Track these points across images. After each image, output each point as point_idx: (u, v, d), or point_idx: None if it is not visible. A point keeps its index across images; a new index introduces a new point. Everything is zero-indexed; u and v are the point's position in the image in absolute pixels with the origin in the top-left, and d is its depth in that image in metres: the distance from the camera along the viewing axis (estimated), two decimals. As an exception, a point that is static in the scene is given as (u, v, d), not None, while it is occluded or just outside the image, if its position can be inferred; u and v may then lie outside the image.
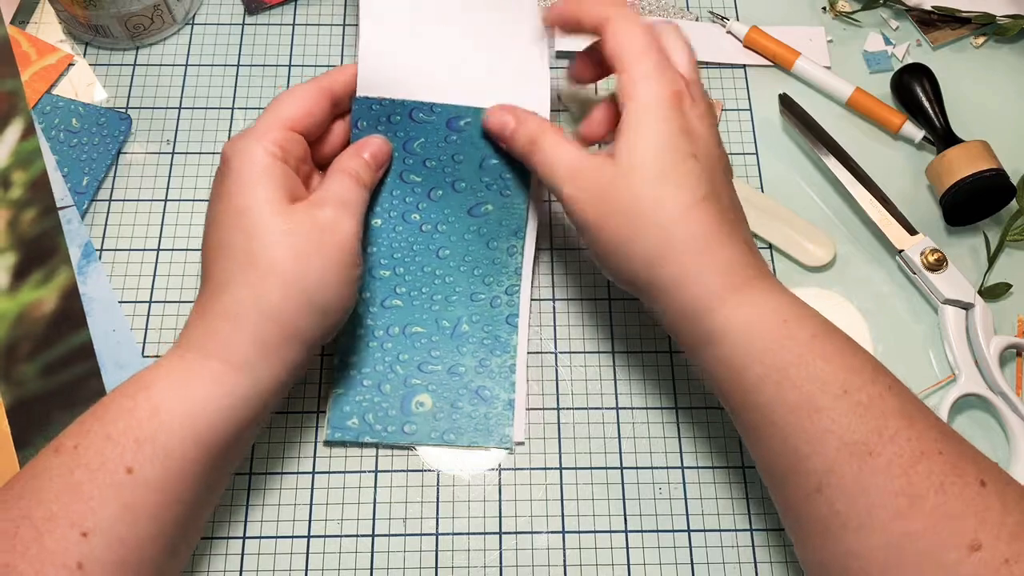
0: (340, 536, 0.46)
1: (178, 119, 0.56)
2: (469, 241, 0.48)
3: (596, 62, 0.47)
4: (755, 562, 0.45)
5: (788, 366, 0.37)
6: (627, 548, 0.46)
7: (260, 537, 0.45)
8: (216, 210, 0.41)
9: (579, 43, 0.58)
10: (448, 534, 0.46)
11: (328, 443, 0.47)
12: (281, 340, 0.39)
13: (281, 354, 0.40)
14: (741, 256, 0.40)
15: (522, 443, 0.47)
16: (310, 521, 0.46)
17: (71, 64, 0.56)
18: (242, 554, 0.45)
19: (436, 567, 0.45)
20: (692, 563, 0.45)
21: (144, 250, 0.52)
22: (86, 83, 0.56)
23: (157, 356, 0.49)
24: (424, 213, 0.48)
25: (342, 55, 0.58)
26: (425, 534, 0.46)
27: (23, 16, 0.58)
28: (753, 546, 0.46)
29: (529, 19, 0.49)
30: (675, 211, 0.39)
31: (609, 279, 0.44)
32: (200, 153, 0.55)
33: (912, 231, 0.52)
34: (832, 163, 0.53)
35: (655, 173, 0.40)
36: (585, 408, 0.49)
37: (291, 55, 0.58)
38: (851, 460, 0.35)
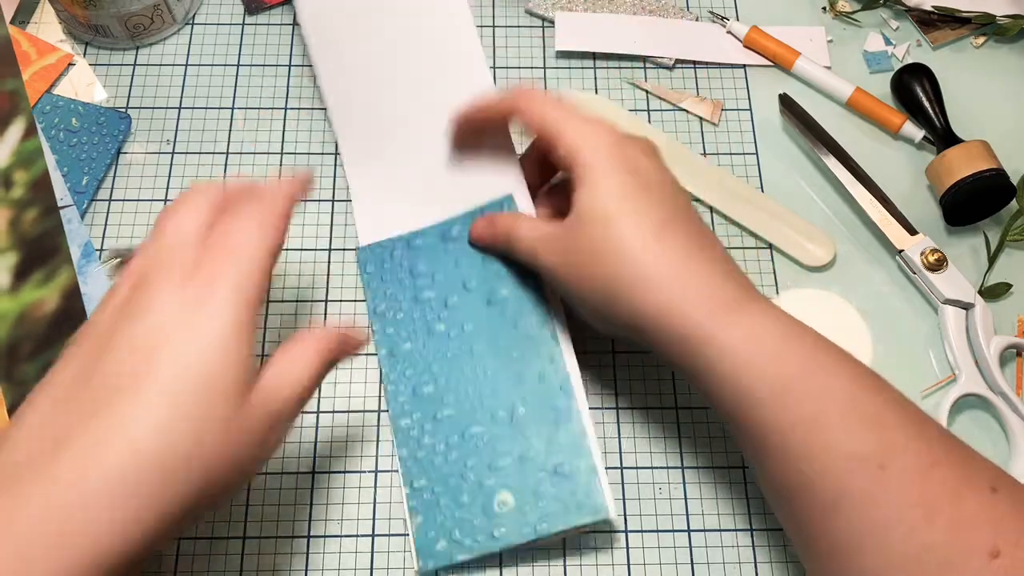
0: (340, 536, 0.46)
1: (178, 119, 0.56)
2: (497, 329, 0.48)
3: (536, 160, 0.49)
4: (755, 562, 0.45)
5: (792, 382, 0.37)
6: (627, 548, 0.46)
7: (260, 537, 0.45)
8: None
9: (580, 42, 0.58)
10: (448, 534, 0.46)
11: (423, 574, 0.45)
12: None
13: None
14: (723, 276, 0.40)
15: (619, 515, 0.46)
16: (310, 521, 0.46)
17: (71, 64, 0.56)
18: (242, 554, 0.45)
19: (436, 567, 0.45)
20: (692, 563, 0.45)
21: (144, 250, 0.52)
22: (86, 83, 0.56)
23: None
24: (447, 321, 0.49)
25: (312, 56, 0.58)
26: (425, 534, 0.46)
27: (23, 16, 0.58)
28: (753, 546, 0.46)
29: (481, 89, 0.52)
30: (639, 241, 0.39)
31: (606, 334, 0.45)
32: (200, 153, 0.55)
33: (912, 231, 0.52)
34: (832, 163, 0.53)
35: (612, 212, 0.40)
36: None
37: (291, 55, 0.58)
38: (864, 475, 0.35)
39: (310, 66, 0.58)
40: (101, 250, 0.52)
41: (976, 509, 0.34)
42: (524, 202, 0.49)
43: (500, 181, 0.50)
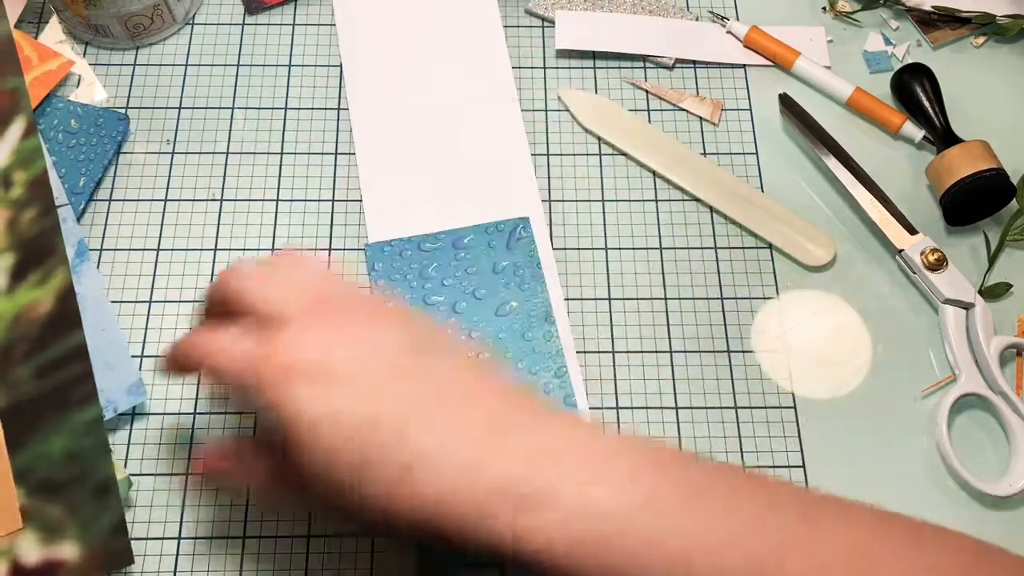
0: (340, 536, 0.45)
1: (178, 119, 0.56)
2: (505, 340, 0.49)
3: None
4: (755, 562, 0.45)
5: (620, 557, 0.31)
6: (627, 548, 0.46)
7: (260, 537, 0.45)
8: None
9: (580, 42, 0.58)
10: (448, 534, 0.46)
11: None
12: None
13: None
14: (543, 456, 0.32)
15: None
16: (310, 521, 0.46)
17: (70, 72, 0.56)
18: (242, 554, 0.45)
19: (436, 567, 0.45)
20: (692, 563, 0.45)
21: (144, 250, 0.52)
22: (86, 83, 0.56)
23: (154, 356, 0.49)
24: (454, 327, 0.49)
25: (341, 55, 0.58)
26: (425, 534, 0.46)
27: (22, 15, 0.58)
28: (753, 546, 0.46)
29: (513, 123, 0.55)
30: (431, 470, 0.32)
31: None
32: (200, 153, 0.55)
33: (912, 231, 0.52)
34: (832, 163, 0.53)
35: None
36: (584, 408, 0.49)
37: (291, 55, 0.58)
38: None
39: (310, 66, 0.58)
40: (101, 250, 0.52)
41: None
42: (540, 226, 0.50)
43: (518, 202, 0.53)
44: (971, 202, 0.53)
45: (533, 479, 0.31)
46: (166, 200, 0.53)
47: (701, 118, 0.57)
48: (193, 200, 0.54)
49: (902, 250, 0.52)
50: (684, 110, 0.57)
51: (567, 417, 0.35)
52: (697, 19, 0.60)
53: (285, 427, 0.33)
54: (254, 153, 0.55)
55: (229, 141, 0.55)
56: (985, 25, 0.59)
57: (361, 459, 0.32)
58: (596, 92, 0.58)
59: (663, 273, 0.52)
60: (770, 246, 0.53)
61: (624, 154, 0.56)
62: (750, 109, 0.58)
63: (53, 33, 0.58)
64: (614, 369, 0.50)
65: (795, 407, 0.49)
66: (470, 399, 0.34)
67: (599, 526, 0.31)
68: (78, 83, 0.56)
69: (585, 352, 0.50)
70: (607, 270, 0.52)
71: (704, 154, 0.56)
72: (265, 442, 0.37)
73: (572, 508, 0.31)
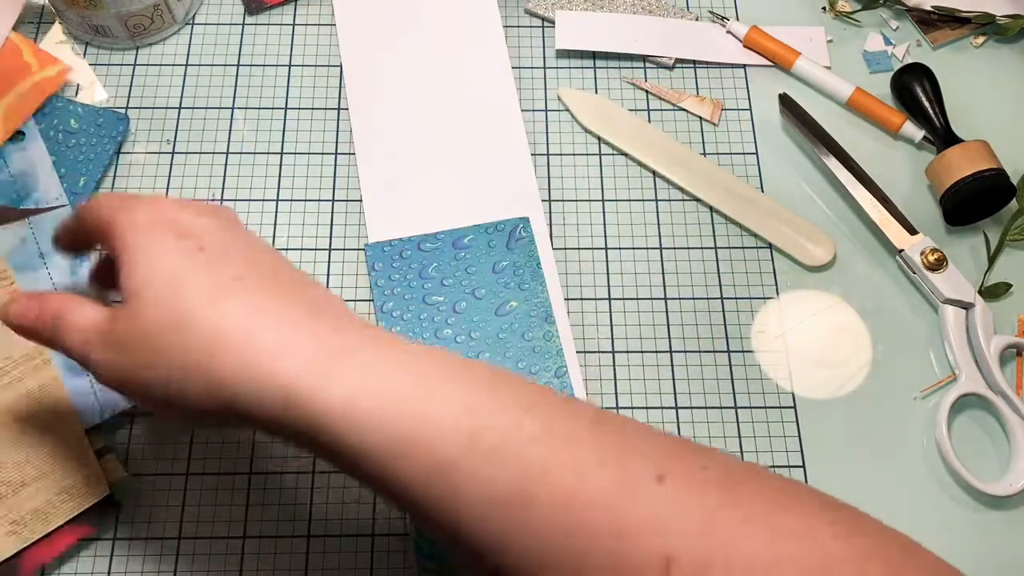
0: (340, 536, 0.45)
1: (178, 119, 0.56)
2: (505, 339, 0.49)
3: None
4: (755, 562, 0.45)
5: (404, 434, 0.31)
6: (627, 548, 0.46)
7: (260, 537, 0.45)
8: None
9: (580, 42, 0.58)
10: (448, 534, 0.46)
11: None
12: None
13: None
14: (317, 325, 0.33)
15: None
16: (310, 521, 0.46)
17: (70, 78, 0.56)
18: (242, 554, 0.45)
19: (436, 567, 0.45)
20: (692, 563, 0.45)
21: (144, 250, 0.52)
22: (86, 83, 0.56)
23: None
24: (455, 326, 0.49)
25: (341, 55, 0.58)
26: (425, 534, 0.46)
27: (22, 15, 0.58)
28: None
29: (512, 123, 0.55)
30: (203, 309, 0.33)
31: (196, 426, 0.41)
32: (200, 153, 0.55)
33: (912, 231, 0.52)
34: (832, 163, 0.53)
35: (165, 285, 0.33)
36: (585, 408, 0.49)
37: (291, 55, 0.58)
38: (504, 516, 0.30)
39: (310, 66, 0.58)
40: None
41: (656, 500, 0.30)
42: (541, 226, 0.50)
43: (518, 202, 0.53)
44: (971, 202, 0.53)
45: (337, 337, 0.33)
46: (166, 200, 0.53)
47: (701, 118, 0.57)
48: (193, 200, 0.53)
49: (902, 250, 0.52)
50: (684, 110, 0.57)
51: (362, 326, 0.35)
52: (697, 19, 0.60)
53: (130, 276, 0.34)
54: (254, 153, 0.55)
55: (229, 141, 0.55)
56: (985, 25, 0.59)
57: (182, 323, 0.33)
58: (596, 92, 0.58)
59: (663, 273, 0.52)
60: (770, 246, 0.53)
61: (624, 154, 0.56)
62: (750, 109, 0.58)
63: (53, 33, 0.58)
64: (614, 369, 0.50)
65: (795, 407, 0.49)
66: (316, 313, 0.34)
67: (408, 388, 0.31)
68: (76, 91, 0.56)
69: (585, 352, 0.50)
70: (607, 270, 0.52)
71: (704, 154, 0.56)
72: (94, 296, 0.37)
73: (378, 364, 0.32)
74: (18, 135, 0.53)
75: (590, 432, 0.31)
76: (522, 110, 0.57)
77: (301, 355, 0.32)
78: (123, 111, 0.55)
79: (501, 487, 0.30)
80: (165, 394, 0.34)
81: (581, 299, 0.52)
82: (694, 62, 0.59)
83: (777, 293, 0.52)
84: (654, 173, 0.55)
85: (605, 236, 0.53)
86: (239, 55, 0.58)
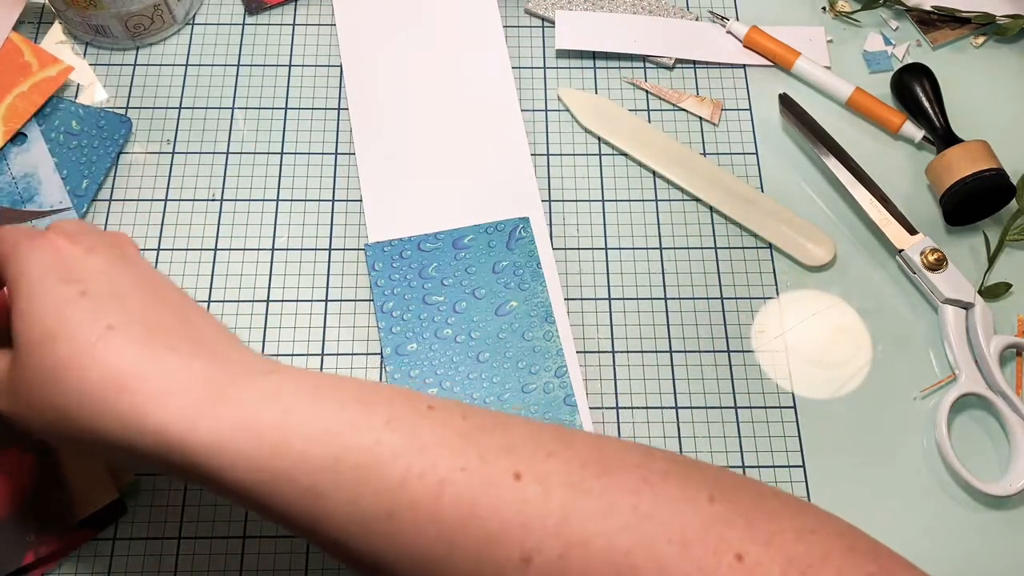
0: (340, 536, 0.46)
1: (178, 119, 0.56)
2: (505, 339, 0.49)
3: None
4: (755, 562, 0.45)
5: (271, 464, 0.32)
6: (627, 548, 0.46)
7: (260, 537, 0.45)
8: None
9: (580, 42, 0.58)
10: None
11: None
12: None
13: None
14: (190, 366, 0.33)
15: None
16: (310, 521, 0.46)
17: (70, 78, 0.56)
18: (242, 554, 0.45)
19: (436, 567, 0.45)
20: (692, 563, 0.45)
21: (144, 250, 0.52)
22: (86, 83, 0.56)
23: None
24: (455, 326, 0.49)
25: (341, 55, 0.58)
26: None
27: (22, 15, 0.58)
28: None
29: (512, 123, 0.55)
30: (77, 359, 0.33)
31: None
32: (200, 153, 0.55)
33: (912, 231, 0.52)
34: (832, 163, 0.53)
35: (44, 333, 0.34)
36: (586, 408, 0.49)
37: (291, 55, 0.58)
38: (371, 530, 0.31)
39: (310, 66, 0.58)
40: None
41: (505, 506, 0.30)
42: (541, 226, 0.51)
43: (518, 202, 0.53)
44: (971, 202, 0.53)
45: (214, 372, 0.33)
46: (166, 200, 0.53)
47: (701, 118, 0.57)
48: (193, 200, 0.54)
49: (902, 250, 0.52)
50: (684, 110, 0.57)
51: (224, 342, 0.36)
52: (697, 19, 0.60)
53: (17, 321, 0.34)
54: (254, 153, 0.55)
55: (229, 141, 0.55)
56: (985, 25, 0.59)
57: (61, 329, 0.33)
58: (596, 92, 0.58)
59: (663, 273, 0.52)
60: (770, 246, 0.53)
61: (624, 154, 0.56)
62: (750, 109, 0.58)
63: (53, 34, 0.58)
64: (614, 369, 0.50)
65: (795, 407, 0.49)
66: (185, 345, 0.34)
67: (272, 420, 0.32)
68: (77, 92, 0.56)
69: (585, 352, 0.50)
70: (607, 270, 0.52)
71: (704, 154, 0.56)
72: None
73: (247, 401, 0.32)
74: (20, 136, 0.53)
75: (456, 437, 0.32)
76: (522, 110, 0.57)
77: (171, 401, 0.32)
78: (124, 113, 0.55)
79: (366, 504, 0.31)
80: (53, 436, 0.35)
81: (581, 299, 0.52)
82: (694, 62, 0.59)
83: (777, 293, 0.52)
84: (654, 173, 0.55)
85: (605, 236, 0.53)
86: (239, 55, 0.58)
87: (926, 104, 0.55)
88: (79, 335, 0.33)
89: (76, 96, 0.56)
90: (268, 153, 0.55)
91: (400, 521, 0.31)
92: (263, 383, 0.33)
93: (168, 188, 0.54)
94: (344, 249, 0.53)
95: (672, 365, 0.50)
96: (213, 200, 0.54)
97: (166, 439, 0.32)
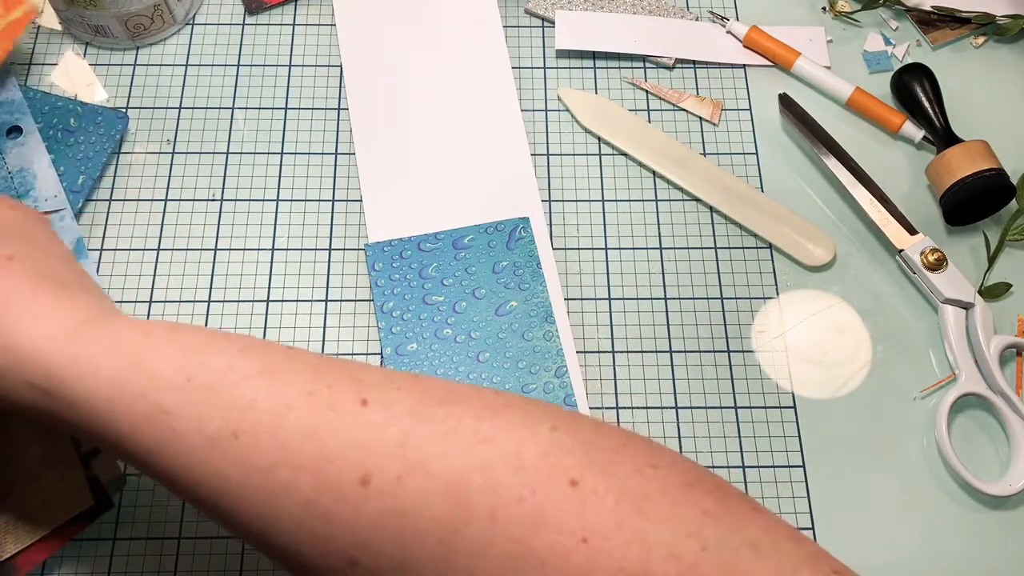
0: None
1: (178, 119, 0.56)
2: (504, 339, 0.49)
3: None
4: (755, 562, 0.45)
5: (125, 378, 0.33)
6: (627, 548, 0.46)
7: (260, 537, 0.45)
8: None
9: (580, 42, 0.58)
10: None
11: None
12: None
13: None
14: (72, 303, 0.35)
15: None
16: (310, 521, 0.46)
17: (36, 21, 0.55)
18: (242, 554, 0.45)
19: (436, 567, 0.45)
20: (692, 563, 0.45)
21: (144, 250, 0.52)
22: (86, 83, 0.56)
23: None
24: (455, 326, 0.49)
25: (341, 55, 0.58)
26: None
27: (23, 16, 0.58)
28: (753, 546, 0.46)
29: (512, 123, 0.56)
30: None
31: None
32: (200, 153, 0.55)
33: (912, 231, 0.52)
34: (832, 163, 0.53)
35: None
36: (588, 408, 0.49)
37: (291, 55, 0.58)
38: (216, 451, 0.32)
39: (310, 66, 0.58)
40: (101, 250, 0.52)
41: (348, 429, 0.31)
42: (541, 226, 0.50)
43: (518, 202, 0.53)
44: (971, 202, 0.53)
45: (80, 306, 0.35)
46: (166, 200, 0.53)
47: (701, 118, 0.57)
48: (193, 200, 0.54)
49: (902, 250, 0.52)
50: (684, 110, 0.57)
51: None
52: (697, 19, 0.60)
53: None
54: (254, 153, 0.55)
55: (229, 141, 0.55)
56: (985, 25, 0.59)
57: None
58: (596, 92, 0.58)
59: (663, 273, 0.52)
60: (770, 246, 0.53)
61: (624, 154, 0.56)
62: (750, 109, 0.58)
63: (53, 33, 0.58)
64: (614, 369, 0.50)
65: (795, 407, 0.49)
66: (63, 286, 0.36)
67: (132, 338, 0.34)
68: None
69: (585, 352, 0.50)
70: (607, 270, 0.52)
71: (704, 154, 0.56)
72: None
73: (107, 325, 0.34)
74: (15, 131, 0.53)
75: (307, 368, 0.33)
76: (522, 110, 0.57)
77: (48, 323, 0.34)
78: (122, 110, 0.55)
79: (212, 424, 0.32)
80: None
81: (581, 299, 0.52)
82: (694, 62, 0.59)
83: (777, 293, 0.52)
84: (654, 173, 0.55)
85: (605, 236, 0.53)
86: (239, 55, 0.58)
87: (926, 104, 0.55)
88: None
89: (75, 95, 0.56)
90: (268, 153, 0.55)
91: (244, 442, 0.31)
92: (131, 320, 0.35)
93: (168, 188, 0.54)
94: (344, 249, 0.53)
95: (672, 365, 0.50)
96: (213, 200, 0.54)
97: (33, 355, 0.33)
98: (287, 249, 0.52)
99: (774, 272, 0.53)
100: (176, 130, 0.56)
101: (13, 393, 0.34)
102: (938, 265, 0.51)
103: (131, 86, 0.57)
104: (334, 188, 0.54)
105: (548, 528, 0.29)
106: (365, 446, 0.31)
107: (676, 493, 0.30)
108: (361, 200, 0.54)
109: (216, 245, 0.52)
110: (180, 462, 0.32)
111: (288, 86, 0.57)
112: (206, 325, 0.50)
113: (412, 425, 0.31)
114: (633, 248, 0.53)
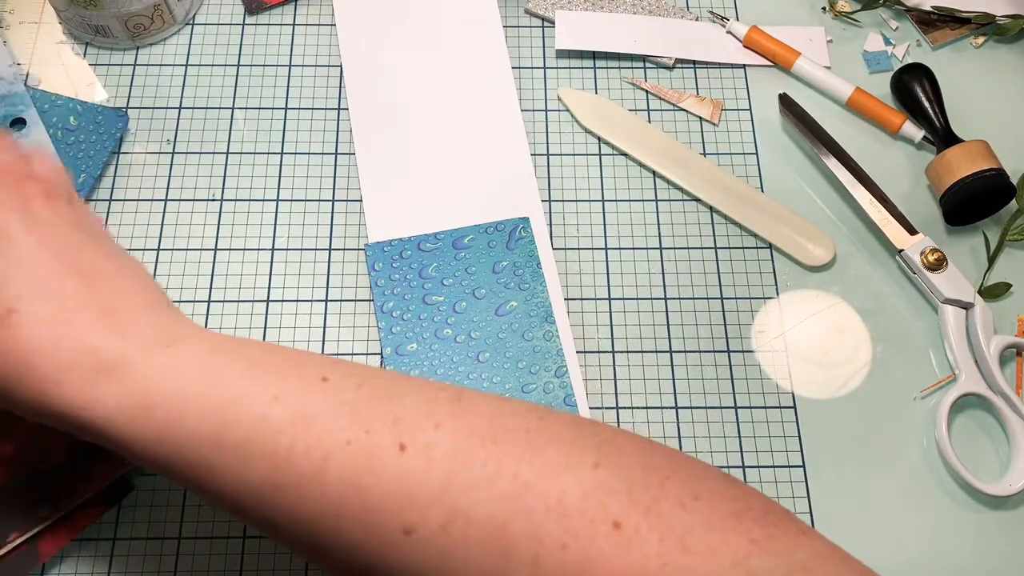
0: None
1: (178, 119, 0.56)
2: (504, 339, 0.49)
3: None
4: (755, 562, 0.45)
5: (163, 437, 0.33)
6: (627, 548, 0.46)
7: (260, 537, 0.45)
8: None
9: (580, 42, 0.58)
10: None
11: None
12: None
13: None
14: (75, 347, 0.33)
15: None
16: (310, 521, 0.46)
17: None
18: (242, 554, 0.45)
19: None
20: (692, 563, 0.45)
21: (144, 250, 0.52)
22: (86, 83, 0.56)
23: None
24: (455, 326, 0.49)
25: (341, 55, 0.58)
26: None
27: (24, 15, 0.58)
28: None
29: (512, 123, 0.55)
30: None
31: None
32: (200, 153, 0.55)
33: (912, 231, 0.52)
34: (832, 163, 0.53)
35: None
36: (589, 408, 0.49)
37: (291, 55, 0.58)
38: (261, 502, 0.32)
39: (310, 66, 0.58)
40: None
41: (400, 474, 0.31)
42: (541, 226, 0.51)
43: (518, 202, 0.53)
44: (971, 202, 0.53)
45: (111, 347, 0.33)
46: (166, 200, 0.53)
47: (701, 118, 0.57)
48: (193, 200, 0.54)
49: (902, 250, 0.52)
50: (684, 110, 0.57)
51: (161, 305, 0.36)
52: (697, 19, 0.60)
53: None
54: (254, 153, 0.55)
55: (229, 141, 0.55)
56: (985, 25, 0.59)
57: None
58: (596, 92, 0.58)
59: (663, 273, 0.52)
60: (770, 246, 0.53)
61: (624, 154, 0.56)
62: (750, 109, 0.58)
63: (53, 33, 0.58)
64: (614, 369, 0.50)
65: (795, 407, 0.49)
66: (82, 271, 0.35)
67: (163, 398, 0.33)
68: (76, 91, 0.56)
69: (585, 352, 0.50)
70: (607, 270, 0.52)
71: (704, 154, 0.56)
72: None
73: (140, 378, 0.33)
74: (19, 123, 0.53)
75: (344, 410, 0.32)
76: (522, 110, 0.57)
77: (69, 379, 0.33)
78: (122, 110, 0.55)
79: (254, 477, 0.32)
80: None
81: (581, 299, 0.52)
82: (694, 62, 0.59)
83: (777, 293, 0.52)
84: (654, 173, 0.55)
85: (605, 236, 0.53)
86: (239, 55, 0.58)
87: (926, 104, 0.55)
88: None
89: (75, 94, 0.56)
90: (268, 153, 0.55)
91: (286, 494, 0.32)
92: (158, 360, 0.33)
93: (168, 188, 0.54)
94: (344, 249, 0.53)
95: (672, 365, 0.50)
96: (213, 200, 0.54)
97: (68, 416, 0.33)
98: (287, 249, 0.52)
99: (774, 272, 0.53)
100: (176, 130, 0.56)
101: (49, 421, 0.34)
102: (938, 265, 0.51)
103: (131, 86, 0.57)
104: (334, 188, 0.54)
105: (592, 573, 0.29)
106: (407, 495, 0.31)
107: (722, 524, 0.30)
108: (361, 200, 0.54)
109: (216, 245, 0.52)
110: (231, 505, 0.33)
111: (288, 86, 0.57)
112: (206, 326, 0.50)
113: (453, 470, 0.31)
114: (633, 248, 0.53)
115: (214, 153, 0.55)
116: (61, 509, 0.43)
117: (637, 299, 0.52)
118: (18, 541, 0.43)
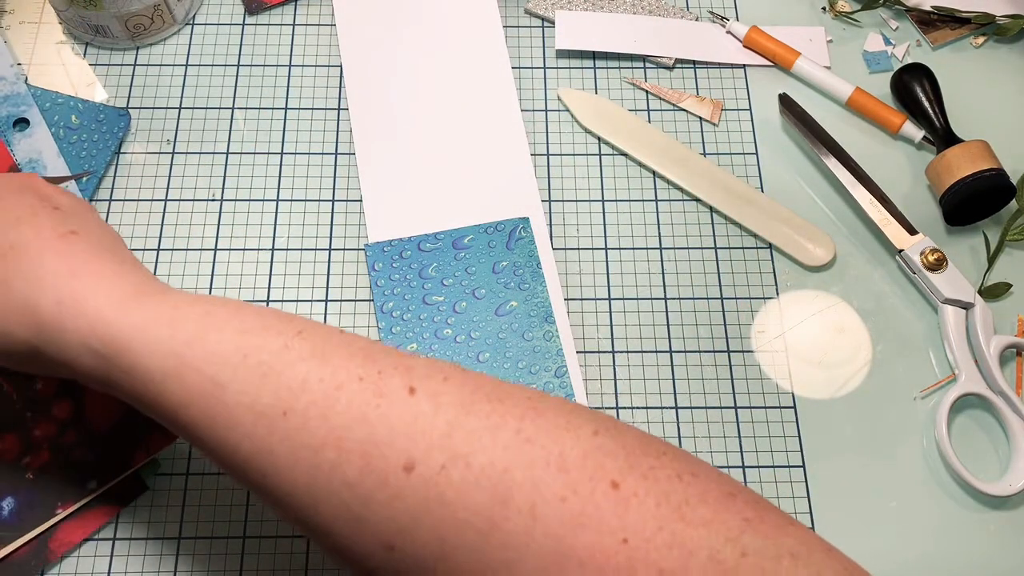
0: (340, 536, 0.45)
1: (178, 119, 0.56)
2: (505, 339, 0.49)
3: None
4: (755, 562, 0.45)
5: (183, 351, 0.34)
6: (627, 548, 0.46)
7: (260, 537, 0.45)
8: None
9: (579, 42, 0.58)
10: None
11: None
12: None
13: None
14: (132, 275, 0.37)
15: None
16: (310, 521, 0.46)
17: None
18: (242, 554, 0.45)
19: (436, 567, 0.45)
20: (692, 563, 0.45)
21: (144, 250, 0.52)
22: (86, 83, 0.56)
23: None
24: (455, 326, 0.49)
25: (341, 55, 0.58)
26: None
27: (24, 15, 0.58)
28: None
29: (512, 123, 0.55)
30: (43, 243, 0.37)
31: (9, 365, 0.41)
32: (200, 153, 0.55)
33: (912, 231, 0.52)
34: (832, 163, 0.54)
35: (18, 219, 0.38)
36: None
37: (291, 55, 0.58)
38: (266, 428, 0.32)
39: (310, 66, 0.58)
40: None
41: (393, 416, 0.32)
42: (541, 226, 0.51)
43: (518, 202, 0.53)
44: (971, 202, 0.53)
45: (147, 281, 0.37)
46: (166, 200, 0.53)
47: (701, 118, 0.57)
48: (193, 200, 0.54)
49: (902, 250, 0.52)
50: (684, 110, 0.57)
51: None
52: (697, 19, 0.60)
53: None
54: (254, 153, 0.55)
55: (229, 141, 0.55)
56: (985, 25, 0.60)
57: None
58: (596, 92, 0.58)
59: (663, 273, 0.52)
60: (770, 246, 0.53)
61: (624, 154, 0.56)
62: (750, 109, 0.58)
63: (53, 33, 0.58)
64: (614, 369, 0.50)
65: (795, 407, 0.49)
66: (115, 260, 0.38)
67: (192, 312, 0.35)
68: (76, 91, 0.56)
69: (585, 352, 0.50)
70: (607, 270, 0.52)
71: (704, 154, 0.56)
72: None
73: (171, 299, 0.36)
74: (22, 123, 0.53)
75: (360, 353, 0.34)
76: (522, 110, 0.57)
77: (112, 291, 0.36)
78: (123, 110, 0.55)
79: (264, 400, 0.33)
80: None
81: (581, 299, 0.52)
82: (694, 62, 0.59)
83: (777, 293, 0.52)
84: (654, 173, 0.55)
85: (605, 236, 0.53)
86: (239, 55, 0.58)
87: (926, 104, 0.55)
88: (45, 230, 0.37)
89: (77, 81, 0.56)
90: (268, 153, 0.55)
91: (293, 421, 0.32)
92: (186, 295, 0.36)
93: (168, 188, 0.54)
94: (344, 249, 0.53)
95: (672, 365, 0.50)
96: (213, 200, 0.54)
97: (95, 320, 0.35)
98: (287, 249, 0.52)
99: (774, 272, 0.53)
100: (176, 130, 0.56)
101: (75, 359, 0.36)
102: (938, 265, 0.51)
103: (131, 86, 0.57)
104: (334, 188, 0.54)
105: (588, 528, 0.29)
106: (411, 434, 0.31)
107: (716, 500, 0.30)
108: (361, 200, 0.54)
109: (216, 245, 0.52)
110: (230, 436, 0.33)
111: (288, 86, 0.57)
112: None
113: (458, 417, 0.31)
114: (633, 248, 0.53)
115: (214, 153, 0.55)
116: (107, 483, 0.44)
117: (637, 299, 0.52)
118: (62, 515, 0.44)
